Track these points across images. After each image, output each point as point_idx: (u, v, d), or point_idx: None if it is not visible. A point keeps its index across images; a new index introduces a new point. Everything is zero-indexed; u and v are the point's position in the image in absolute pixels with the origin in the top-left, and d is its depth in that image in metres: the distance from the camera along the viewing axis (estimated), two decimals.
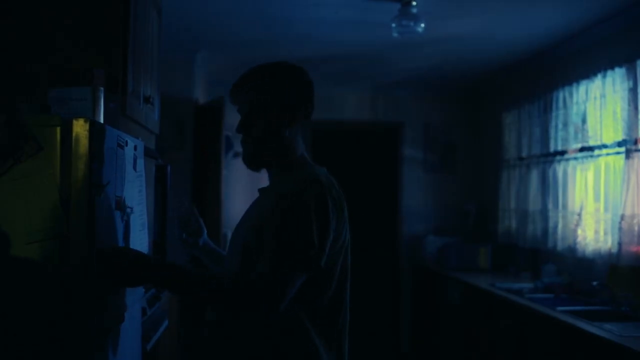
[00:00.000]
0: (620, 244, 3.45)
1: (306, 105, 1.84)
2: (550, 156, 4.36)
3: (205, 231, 2.13)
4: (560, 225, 4.20)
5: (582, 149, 3.98)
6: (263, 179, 2.31)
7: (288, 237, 1.62)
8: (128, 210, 1.97)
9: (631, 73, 3.48)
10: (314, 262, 1.62)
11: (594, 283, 3.61)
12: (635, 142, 3.42)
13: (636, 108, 3.44)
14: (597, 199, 3.84)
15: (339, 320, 1.74)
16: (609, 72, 3.67)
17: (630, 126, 3.46)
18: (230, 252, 1.85)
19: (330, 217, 1.66)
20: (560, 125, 4.27)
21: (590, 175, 3.89)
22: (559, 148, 4.27)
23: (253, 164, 1.90)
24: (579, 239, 3.93)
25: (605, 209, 3.71)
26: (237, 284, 1.65)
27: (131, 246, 2.02)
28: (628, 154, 3.43)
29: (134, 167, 2.07)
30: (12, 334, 1.63)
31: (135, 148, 2.08)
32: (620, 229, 3.45)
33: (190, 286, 1.67)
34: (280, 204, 1.66)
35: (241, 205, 6.17)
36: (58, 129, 1.64)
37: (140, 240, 2.18)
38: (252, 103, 1.83)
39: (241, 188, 5.64)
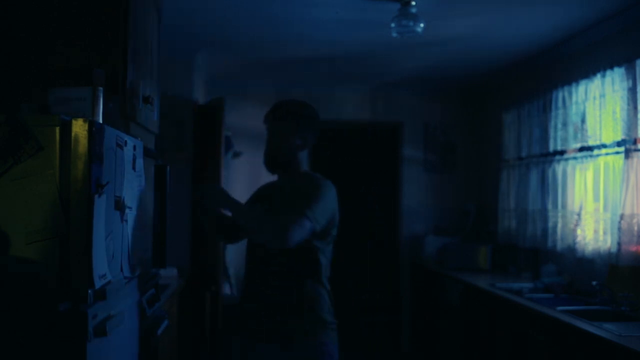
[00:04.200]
0: (619, 243, 3.45)
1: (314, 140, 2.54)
2: (550, 156, 4.37)
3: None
4: (559, 225, 4.20)
5: (581, 149, 3.98)
6: (261, 179, 2.35)
7: None
8: (128, 210, 1.97)
9: (630, 73, 3.49)
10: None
11: (594, 283, 3.61)
12: (635, 142, 3.42)
13: (635, 108, 3.44)
14: (596, 198, 3.84)
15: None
16: (608, 72, 3.67)
17: (630, 126, 3.46)
18: None
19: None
20: (559, 125, 4.27)
21: (589, 175, 3.89)
22: (559, 148, 4.27)
23: (275, 166, 2.51)
24: (579, 238, 3.93)
25: (605, 209, 3.71)
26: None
27: (131, 246, 2.02)
28: (627, 153, 3.44)
29: (134, 167, 2.07)
30: (8, 333, 1.63)
31: (135, 148, 2.09)
32: (619, 228, 3.45)
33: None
34: None
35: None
36: (57, 128, 1.65)
37: (140, 240, 2.18)
38: (289, 128, 2.49)
39: (241, 188, 5.64)
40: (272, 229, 2.20)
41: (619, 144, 3.55)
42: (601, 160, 3.75)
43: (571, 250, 4.02)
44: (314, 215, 2.24)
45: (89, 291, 1.64)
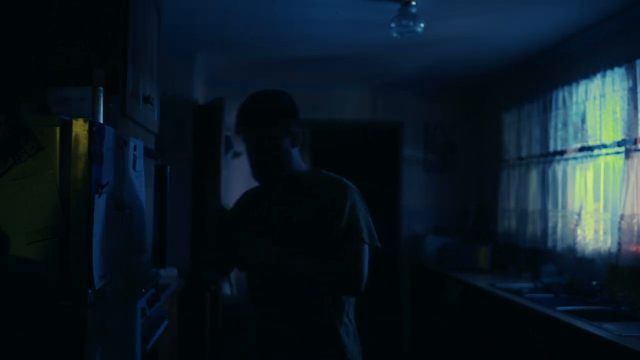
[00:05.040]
0: (619, 243, 3.45)
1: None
2: (550, 156, 4.37)
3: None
4: (559, 225, 4.20)
5: (581, 149, 3.98)
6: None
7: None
8: (128, 210, 1.97)
9: (630, 73, 3.49)
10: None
11: (594, 283, 3.61)
12: (635, 142, 3.42)
13: (635, 108, 3.44)
14: (596, 198, 3.84)
15: None
16: (609, 72, 3.67)
17: (630, 126, 3.46)
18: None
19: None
20: (559, 125, 4.27)
21: (589, 175, 3.89)
22: (559, 148, 4.27)
23: (268, 174, 2.11)
24: (579, 238, 3.93)
25: (605, 209, 3.71)
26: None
27: (131, 246, 2.02)
28: (627, 153, 3.44)
29: (134, 167, 2.07)
30: (8, 333, 1.63)
31: (135, 148, 2.08)
32: (619, 228, 3.45)
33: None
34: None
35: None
36: (58, 128, 1.64)
37: (140, 240, 2.18)
38: (274, 130, 2.07)
39: (241, 188, 5.63)
40: (338, 279, 1.92)
41: (619, 144, 3.55)
42: (601, 160, 3.75)
43: (571, 250, 4.02)
44: (370, 233, 1.97)
45: (89, 291, 1.64)
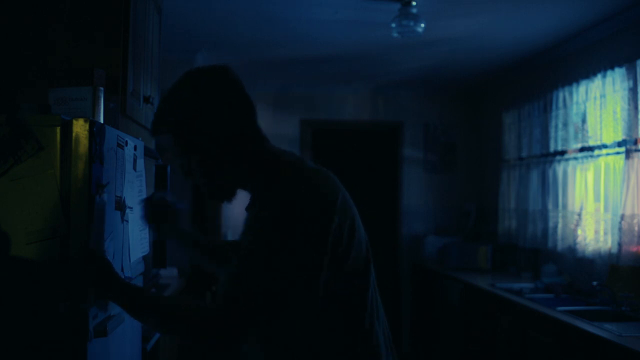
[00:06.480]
0: (620, 244, 3.45)
1: (244, 113, 1.59)
2: (550, 156, 4.37)
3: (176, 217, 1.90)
4: (560, 225, 4.20)
5: (582, 149, 3.98)
6: None
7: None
8: (128, 210, 1.97)
9: (631, 73, 3.49)
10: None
11: (594, 283, 3.61)
12: (635, 142, 3.42)
13: (636, 108, 3.44)
14: (597, 199, 3.84)
15: None
16: (609, 72, 3.67)
17: (630, 126, 3.46)
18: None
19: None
20: (560, 125, 4.27)
21: (590, 175, 3.89)
22: (559, 148, 4.27)
23: (222, 199, 1.66)
24: (579, 239, 3.93)
25: (605, 209, 3.71)
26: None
27: (131, 246, 2.02)
28: (628, 154, 3.44)
29: (134, 167, 2.07)
30: (8, 333, 1.63)
31: (135, 148, 2.08)
32: (620, 229, 3.45)
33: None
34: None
35: (241, 206, 6.19)
36: (58, 128, 1.64)
37: (140, 240, 2.18)
38: (181, 148, 1.55)
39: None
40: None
41: (619, 144, 3.55)
42: (602, 161, 3.75)
43: (572, 250, 4.02)
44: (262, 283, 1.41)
45: (89, 291, 1.64)
